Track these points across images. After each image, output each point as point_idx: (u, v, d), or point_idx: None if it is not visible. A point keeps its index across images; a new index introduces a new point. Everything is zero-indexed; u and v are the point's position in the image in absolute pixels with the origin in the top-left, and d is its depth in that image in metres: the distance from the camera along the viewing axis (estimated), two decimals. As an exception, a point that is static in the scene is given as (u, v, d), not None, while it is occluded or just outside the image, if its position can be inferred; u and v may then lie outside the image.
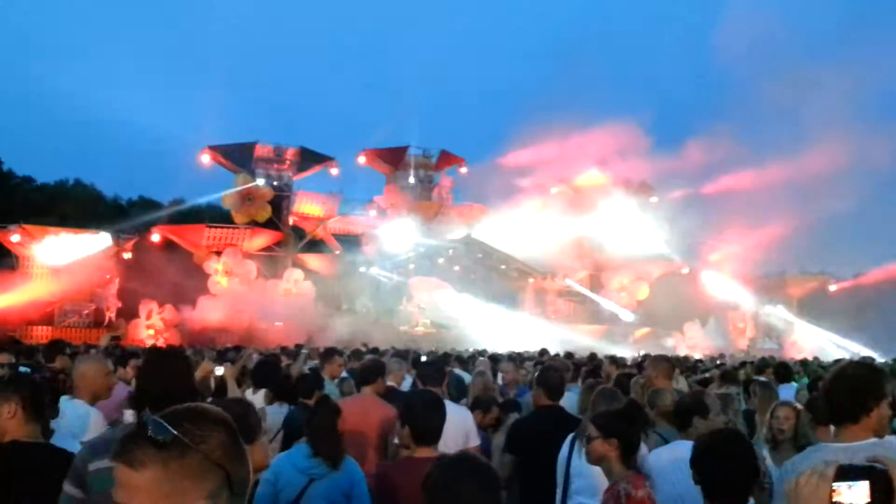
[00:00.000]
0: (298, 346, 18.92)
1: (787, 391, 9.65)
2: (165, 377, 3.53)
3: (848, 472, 1.80)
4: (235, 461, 1.62)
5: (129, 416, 3.87)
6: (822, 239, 38.51)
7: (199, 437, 1.55)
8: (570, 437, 5.05)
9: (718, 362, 15.94)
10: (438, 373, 6.50)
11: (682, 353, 32.67)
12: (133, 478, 1.56)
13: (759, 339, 40.09)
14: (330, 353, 8.37)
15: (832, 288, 41.50)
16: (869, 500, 1.78)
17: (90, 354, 7.98)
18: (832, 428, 3.45)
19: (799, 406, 5.25)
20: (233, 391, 6.91)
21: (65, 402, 5.26)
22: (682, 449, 4.07)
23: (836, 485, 1.79)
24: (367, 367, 6.87)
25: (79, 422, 4.89)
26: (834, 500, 1.78)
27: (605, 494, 4.03)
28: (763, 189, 38.55)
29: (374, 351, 15.63)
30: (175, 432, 1.53)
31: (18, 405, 3.74)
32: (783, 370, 11.02)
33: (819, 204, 37.21)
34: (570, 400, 6.62)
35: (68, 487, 3.31)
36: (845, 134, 38.66)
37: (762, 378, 10.09)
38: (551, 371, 6.27)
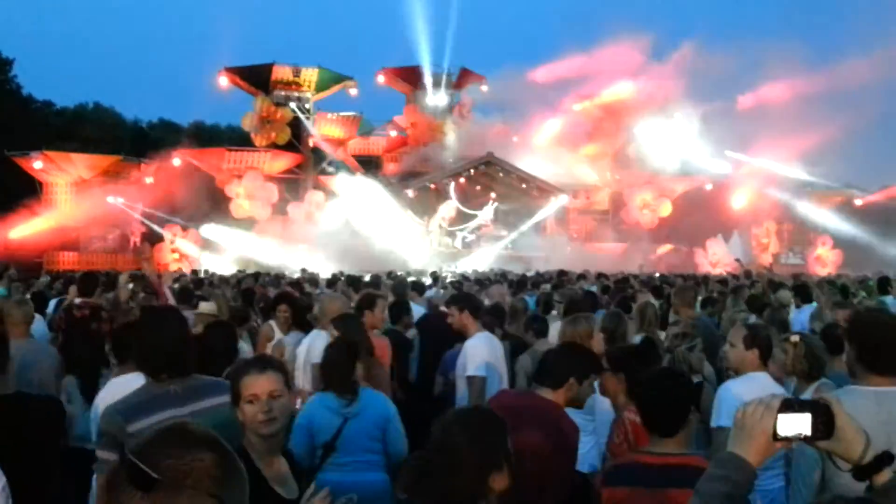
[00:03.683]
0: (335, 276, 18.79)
1: (806, 313, 9.58)
2: (164, 337, 3.52)
3: (792, 405, 1.88)
4: (227, 484, 1.55)
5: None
6: (847, 152, 37.82)
7: (184, 471, 1.49)
8: None
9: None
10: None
11: (704, 269, 32.75)
12: None
13: (783, 254, 39.86)
14: (370, 300, 6.86)
15: (858, 202, 40.93)
16: (810, 431, 1.86)
17: (332, 293, 7.89)
18: (844, 357, 3.51)
19: (795, 339, 5.05)
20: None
21: (314, 333, 6.14)
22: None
23: (780, 416, 1.86)
24: (357, 302, 6.97)
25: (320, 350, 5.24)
26: (777, 430, 1.86)
27: (612, 426, 4.13)
28: (788, 103, 37.71)
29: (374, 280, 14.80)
30: (157, 477, 1.46)
31: None
32: (804, 291, 10.82)
33: (845, 117, 36.40)
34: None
35: (103, 453, 3.37)
36: (873, 46, 37.66)
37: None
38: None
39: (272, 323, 7.96)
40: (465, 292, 8.19)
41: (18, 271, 17.70)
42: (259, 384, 2.97)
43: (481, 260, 31.15)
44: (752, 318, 7.78)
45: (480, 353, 5.90)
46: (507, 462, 2.64)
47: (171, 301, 8.03)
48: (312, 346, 6.10)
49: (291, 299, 8.37)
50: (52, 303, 9.97)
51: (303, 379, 6.19)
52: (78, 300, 7.77)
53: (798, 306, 10.20)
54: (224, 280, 17.10)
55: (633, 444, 3.86)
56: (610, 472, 3.46)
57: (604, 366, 4.20)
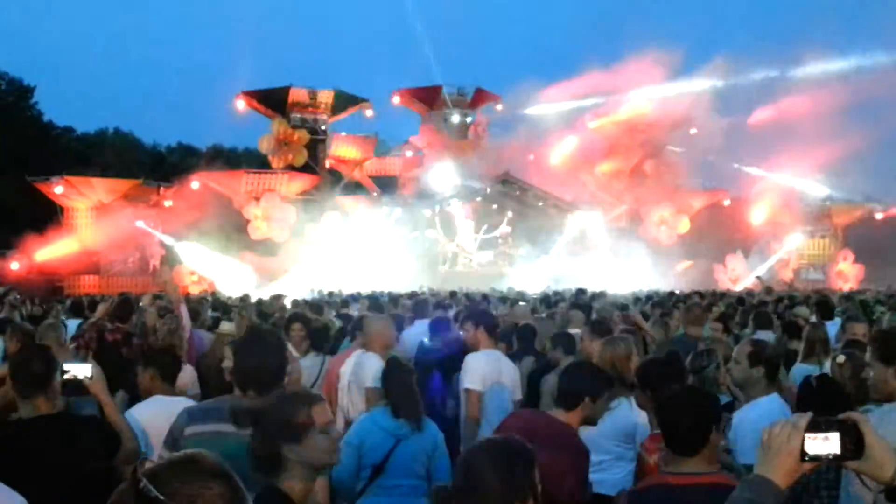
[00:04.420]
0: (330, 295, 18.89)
1: (831, 331, 9.35)
2: (261, 355, 3.60)
3: (820, 424, 1.82)
4: None
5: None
6: (867, 166, 37.53)
7: (191, 497, 1.51)
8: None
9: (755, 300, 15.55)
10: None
11: (724, 285, 32.53)
12: None
13: (804, 269, 39.55)
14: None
15: (878, 216, 40.59)
16: (839, 451, 1.80)
17: (378, 314, 7.85)
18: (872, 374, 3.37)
19: (841, 359, 4.86)
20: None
21: (361, 355, 6.07)
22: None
23: (807, 435, 1.81)
24: (353, 324, 7.05)
25: (373, 372, 5.53)
26: (805, 450, 1.81)
27: (646, 442, 4.15)
28: (807, 118, 37.49)
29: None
30: (164, 499, 1.47)
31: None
32: (825, 307, 10.57)
33: (864, 130, 36.15)
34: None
35: (163, 451, 3.53)
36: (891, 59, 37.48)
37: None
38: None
39: (289, 345, 7.88)
40: (481, 309, 8.13)
41: (41, 295, 17.84)
42: (326, 413, 2.92)
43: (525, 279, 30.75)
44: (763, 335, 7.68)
45: (478, 367, 5.90)
46: (534, 495, 2.61)
47: (187, 321, 8.01)
48: (360, 367, 5.97)
49: (305, 319, 8.30)
50: (73, 324, 10.00)
51: (347, 401, 6.07)
52: (109, 325, 7.81)
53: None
54: (245, 301, 17.09)
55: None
56: (635, 493, 3.41)
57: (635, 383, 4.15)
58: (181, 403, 4.16)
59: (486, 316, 6.65)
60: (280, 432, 2.75)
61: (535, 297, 17.25)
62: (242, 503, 1.60)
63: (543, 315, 11.45)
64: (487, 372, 5.89)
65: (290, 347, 7.65)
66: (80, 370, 3.83)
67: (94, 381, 3.82)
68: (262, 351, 3.61)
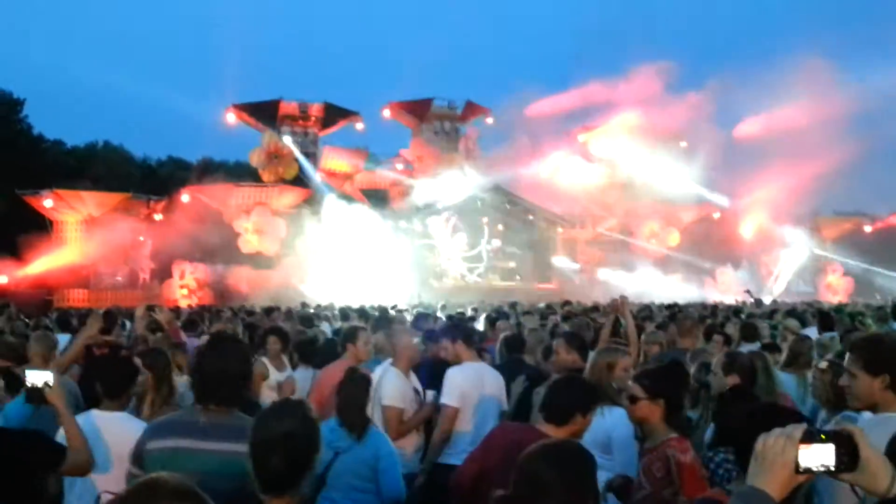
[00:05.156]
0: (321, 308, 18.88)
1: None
2: (224, 361, 3.51)
3: (814, 436, 1.81)
4: None
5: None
6: (855, 179, 37.77)
7: None
8: None
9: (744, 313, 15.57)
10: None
11: (713, 298, 32.58)
12: None
13: (793, 282, 39.68)
14: (353, 333, 6.86)
15: (867, 229, 40.80)
16: (834, 463, 1.79)
17: (403, 327, 7.82)
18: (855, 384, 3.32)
19: (823, 365, 4.99)
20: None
21: (386, 369, 5.97)
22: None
23: (802, 447, 1.80)
24: (342, 336, 6.97)
25: (393, 391, 5.71)
26: (799, 462, 1.79)
27: (648, 456, 3.94)
28: (794, 131, 37.72)
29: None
30: None
31: None
32: (827, 319, 10.71)
33: (852, 143, 36.39)
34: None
35: (131, 468, 3.46)
36: (878, 72, 37.76)
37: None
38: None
39: (265, 360, 7.84)
40: (456, 322, 8.04)
41: (29, 309, 17.70)
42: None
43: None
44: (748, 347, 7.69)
45: (456, 383, 5.77)
46: (595, 499, 2.60)
47: (183, 335, 8.00)
48: (380, 383, 5.91)
49: (282, 332, 8.30)
50: (64, 339, 9.93)
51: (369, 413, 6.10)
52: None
53: (820, 334, 10.11)
54: (234, 313, 17.05)
55: (678, 487, 3.66)
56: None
57: (638, 393, 4.04)
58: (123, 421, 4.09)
59: (460, 329, 6.57)
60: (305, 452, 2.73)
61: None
62: None
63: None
64: (466, 387, 5.79)
65: (266, 361, 7.68)
66: (39, 377, 3.77)
67: (54, 388, 3.75)
68: (223, 358, 3.51)
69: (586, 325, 9.33)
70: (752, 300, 21.33)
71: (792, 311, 14.32)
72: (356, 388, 4.66)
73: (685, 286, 35.71)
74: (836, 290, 37.94)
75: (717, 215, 40.65)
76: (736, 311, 16.64)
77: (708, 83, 40.66)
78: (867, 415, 3.32)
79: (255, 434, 2.73)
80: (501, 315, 13.38)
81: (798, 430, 1.82)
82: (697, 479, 3.65)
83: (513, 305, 18.68)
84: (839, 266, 38.83)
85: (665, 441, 3.84)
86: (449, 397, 5.75)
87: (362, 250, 32.18)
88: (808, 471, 1.80)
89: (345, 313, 16.27)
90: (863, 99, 37.37)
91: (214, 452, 3.29)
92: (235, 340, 4.01)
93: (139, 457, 3.39)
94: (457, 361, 6.09)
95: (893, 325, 11.34)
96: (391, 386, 5.74)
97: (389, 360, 6.17)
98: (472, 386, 5.84)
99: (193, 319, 11.15)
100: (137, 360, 4.72)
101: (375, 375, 6.21)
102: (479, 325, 12.03)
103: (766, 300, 25.01)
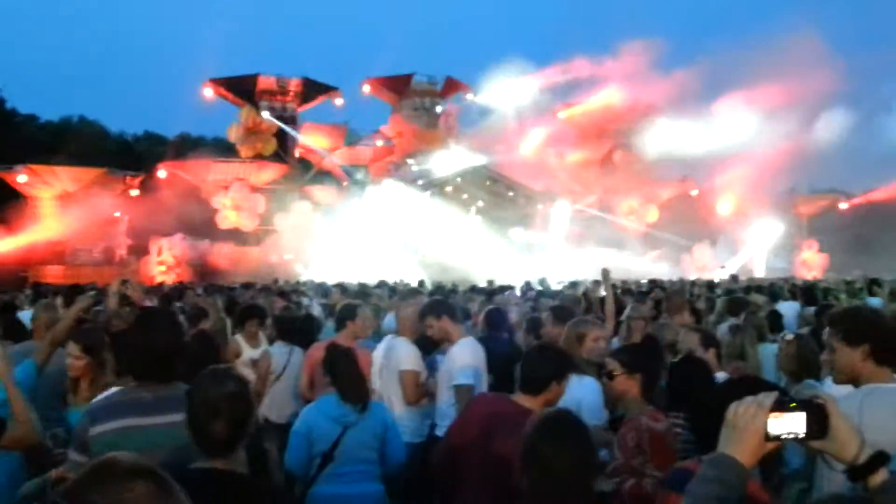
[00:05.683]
0: (301, 284, 18.89)
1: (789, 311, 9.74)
2: (149, 336, 3.41)
3: (785, 403, 1.83)
4: None
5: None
6: (832, 156, 38.04)
7: None
8: None
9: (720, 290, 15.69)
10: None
11: (691, 275, 32.83)
12: None
13: (769, 258, 40.02)
14: (351, 310, 6.85)
15: (843, 206, 41.20)
16: (804, 430, 1.82)
17: (410, 301, 7.76)
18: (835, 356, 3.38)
19: (789, 337, 5.16)
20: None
21: (392, 339, 6.27)
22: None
23: (773, 415, 1.82)
24: (339, 312, 6.99)
25: (408, 356, 5.95)
26: (769, 430, 1.82)
27: (624, 426, 4.01)
28: (772, 108, 37.89)
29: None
30: None
31: None
32: (810, 294, 11.02)
33: (827, 121, 36.65)
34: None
35: (73, 455, 3.34)
36: (856, 50, 38.00)
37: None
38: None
39: (238, 337, 7.82)
40: (437, 298, 7.98)
41: (4, 285, 17.58)
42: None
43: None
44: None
45: (466, 359, 5.56)
46: (597, 465, 2.76)
47: None
48: (392, 351, 6.09)
49: (259, 309, 8.33)
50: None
51: (380, 384, 6.14)
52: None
53: (802, 309, 10.34)
54: (217, 289, 17.02)
55: (648, 456, 3.72)
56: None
57: (616, 368, 4.11)
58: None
59: (443, 305, 6.49)
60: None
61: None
62: (171, 495, 1.51)
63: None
64: (475, 363, 5.60)
65: (240, 338, 7.70)
66: None
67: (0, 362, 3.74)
68: (148, 333, 3.43)
69: (575, 299, 9.41)
70: (728, 276, 21.53)
71: (763, 287, 14.49)
72: (350, 361, 4.70)
73: (663, 263, 35.96)
74: (811, 266, 38.35)
75: (694, 192, 40.85)
76: (710, 286, 16.80)
77: (689, 61, 40.70)
78: (829, 382, 3.39)
79: (196, 399, 2.73)
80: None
81: (769, 397, 1.85)
82: (666, 448, 3.71)
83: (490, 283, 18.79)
84: (814, 242, 39.24)
85: (641, 412, 3.92)
86: (464, 376, 5.47)
87: (342, 227, 32.04)
88: (777, 438, 1.82)
89: (325, 290, 16.27)
90: (840, 76, 37.58)
91: (165, 426, 3.21)
92: (164, 315, 3.90)
93: (83, 444, 3.25)
94: (443, 337, 6.01)
95: (868, 299, 11.51)
96: (405, 352, 5.93)
97: (392, 333, 6.32)
98: (478, 361, 5.75)
99: (168, 294, 11.11)
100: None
101: (381, 347, 6.37)
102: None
103: (742, 277, 25.22)
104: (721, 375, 4.70)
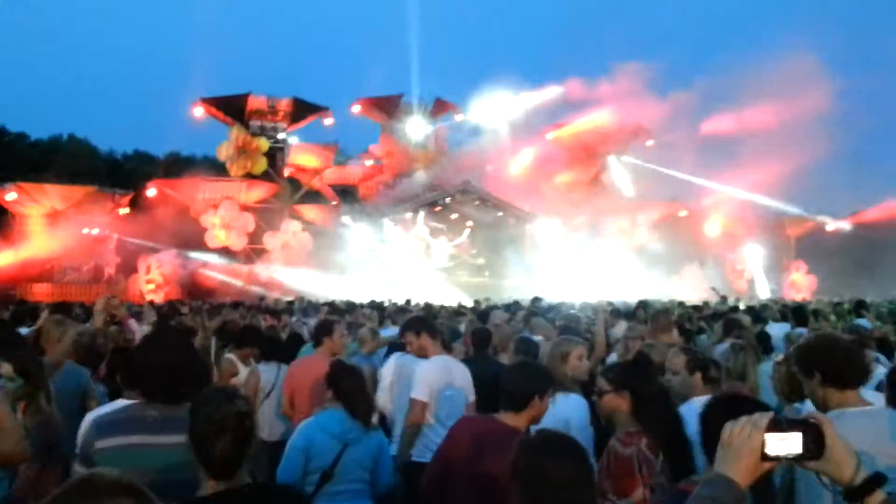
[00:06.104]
0: (290, 303, 18.82)
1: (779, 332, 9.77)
2: (160, 355, 3.42)
3: (781, 424, 1.83)
4: None
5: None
6: (820, 179, 38.33)
7: None
8: None
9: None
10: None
11: (679, 297, 32.89)
12: None
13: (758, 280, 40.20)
14: (328, 326, 6.97)
15: (830, 228, 41.45)
16: (800, 451, 1.81)
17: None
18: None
19: (779, 358, 5.19)
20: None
21: (401, 357, 6.43)
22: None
23: (768, 435, 1.82)
24: (316, 329, 7.06)
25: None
26: (765, 450, 1.81)
27: (612, 451, 4.00)
28: (761, 130, 38.21)
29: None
30: None
31: None
32: (801, 314, 11.07)
33: (817, 143, 36.92)
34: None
35: (78, 467, 3.32)
36: (842, 74, 38.39)
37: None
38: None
39: (232, 357, 7.79)
40: (418, 316, 8.06)
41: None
42: None
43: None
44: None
45: (425, 377, 5.81)
46: (593, 484, 2.77)
47: (137, 331, 7.95)
48: (403, 368, 6.22)
49: (255, 331, 8.39)
50: (24, 332, 9.80)
51: (387, 399, 6.33)
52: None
53: (792, 329, 10.36)
54: (202, 309, 16.92)
55: (612, 480, 3.64)
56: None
57: (604, 386, 4.10)
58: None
59: (423, 322, 6.57)
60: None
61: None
62: None
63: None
64: (435, 380, 5.81)
65: (233, 357, 7.69)
66: None
67: None
68: (161, 350, 3.44)
69: (576, 319, 9.43)
70: (718, 297, 21.59)
71: (752, 309, 14.54)
72: (357, 378, 4.69)
73: (652, 283, 36.00)
74: (799, 287, 38.50)
75: (683, 213, 41.02)
76: (697, 307, 16.82)
77: (681, 85, 41.00)
78: (809, 405, 3.47)
79: (201, 418, 2.72)
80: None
81: (765, 417, 1.84)
82: (627, 473, 3.60)
83: (477, 302, 18.80)
84: (803, 264, 39.41)
85: (627, 432, 3.89)
86: (418, 392, 5.78)
87: (331, 247, 32.07)
88: (774, 458, 1.82)
89: (313, 307, 16.28)
90: (830, 98, 37.93)
91: (172, 446, 3.14)
92: (178, 334, 3.90)
93: (88, 457, 3.24)
94: (422, 354, 6.11)
95: (856, 320, 11.55)
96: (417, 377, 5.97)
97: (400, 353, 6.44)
98: (441, 380, 5.87)
99: (164, 313, 11.07)
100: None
101: (390, 364, 6.56)
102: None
103: (731, 298, 25.29)
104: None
